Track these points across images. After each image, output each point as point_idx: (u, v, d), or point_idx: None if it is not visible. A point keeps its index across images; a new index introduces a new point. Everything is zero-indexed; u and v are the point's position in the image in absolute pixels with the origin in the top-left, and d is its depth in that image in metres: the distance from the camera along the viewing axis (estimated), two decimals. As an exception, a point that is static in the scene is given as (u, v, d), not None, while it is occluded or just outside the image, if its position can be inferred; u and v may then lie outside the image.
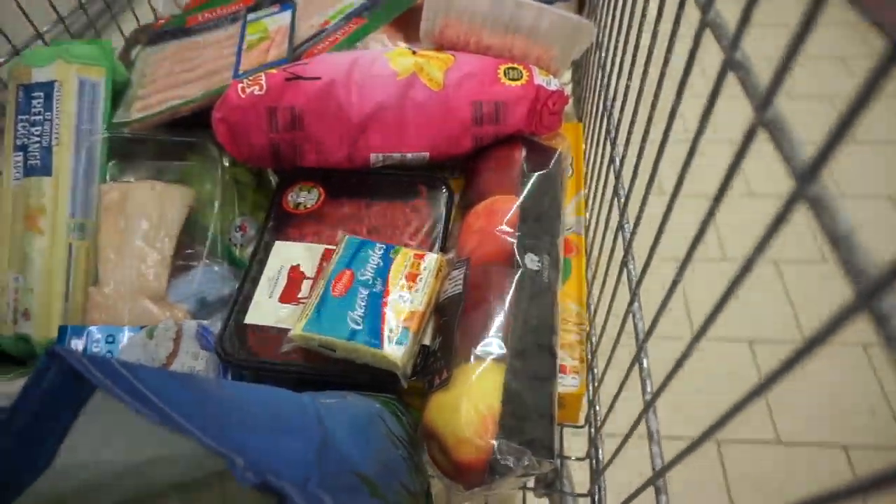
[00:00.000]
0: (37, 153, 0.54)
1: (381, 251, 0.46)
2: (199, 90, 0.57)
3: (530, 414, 0.38)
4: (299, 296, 0.47)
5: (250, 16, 0.62)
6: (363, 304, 0.43)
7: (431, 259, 0.46)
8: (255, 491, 0.37)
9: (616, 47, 0.50)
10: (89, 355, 0.24)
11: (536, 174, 0.51)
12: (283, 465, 0.25)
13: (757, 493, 1.00)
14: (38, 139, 0.54)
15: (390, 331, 0.41)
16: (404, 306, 0.43)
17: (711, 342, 1.17)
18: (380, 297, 0.43)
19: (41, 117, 0.54)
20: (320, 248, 0.49)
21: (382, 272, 0.45)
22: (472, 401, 0.37)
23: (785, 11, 1.92)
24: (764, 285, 1.26)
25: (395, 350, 0.41)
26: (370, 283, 0.44)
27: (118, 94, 0.61)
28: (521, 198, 0.48)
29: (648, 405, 0.31)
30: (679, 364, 0.25)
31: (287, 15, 0.60)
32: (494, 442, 0.36)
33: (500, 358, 0.39)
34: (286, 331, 0.44)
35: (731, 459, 1.03)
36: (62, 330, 0.47)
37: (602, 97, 0.56)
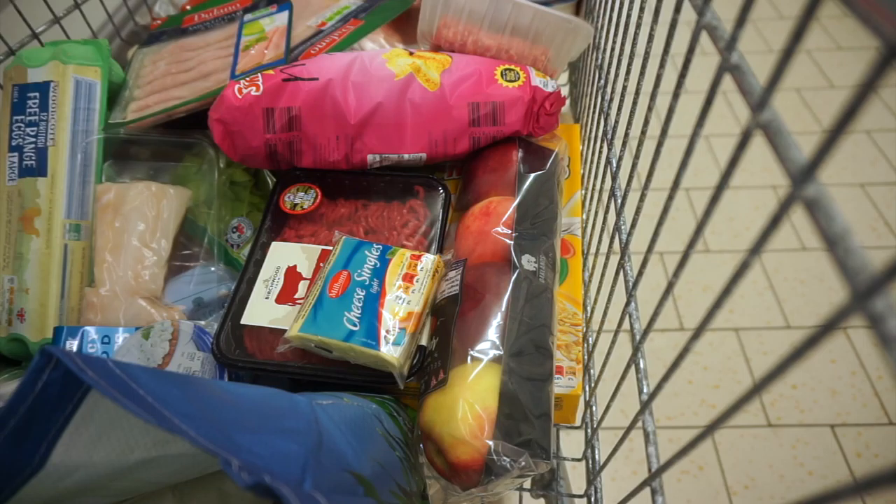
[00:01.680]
0: (32, 154, 0.54)
1: (378, 252, 0.46)
2: (195, 91, 0.57)
3: (527, 415, 0.38)
4: (296, 296, 0.47)
5: (247, 16, 0.62)
6: (360, 304, 0.43)
7: (428, 260, 0.46)
8: (252, 491, 0.37)
9: (613, 49, 0.50)
10: (83, 355, 0.24)
11: (533, 175, 0.51)
12: (279, 466, 0.25)
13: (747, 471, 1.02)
14: (33, 139, 0.54)
15: (387, 332, 0.41)
16: (401, 307, 0.43)
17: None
18: (376, 297, 0.43)
19: (36, 118, 0.54)
20: (317, 249, 0.49)
21: (379, 273, 0.45)
22: (469, 402, 0.37)
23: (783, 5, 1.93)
24: (747, 274, 1.27)
25: (391, 351, 0.41)
26: (367, 283, 0.44)
27: (114, 94, 0.61)
28: (518, 199, 0.48)
29: (644, 406, 0.32)
30: (674, 366, 0.25)
31: (284, 16, 0.60)
32: (491, 443, 0.36)
33: (497, 359, 0.39)
34: (282, 331, 0.44)
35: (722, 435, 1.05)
36: (57, 331, 0.47)
37: (599, 98, 0.56)
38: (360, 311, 0.42)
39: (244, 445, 0.25)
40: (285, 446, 0.27)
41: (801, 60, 1.75)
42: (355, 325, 0.42)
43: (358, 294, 0.43)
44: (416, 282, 0.44)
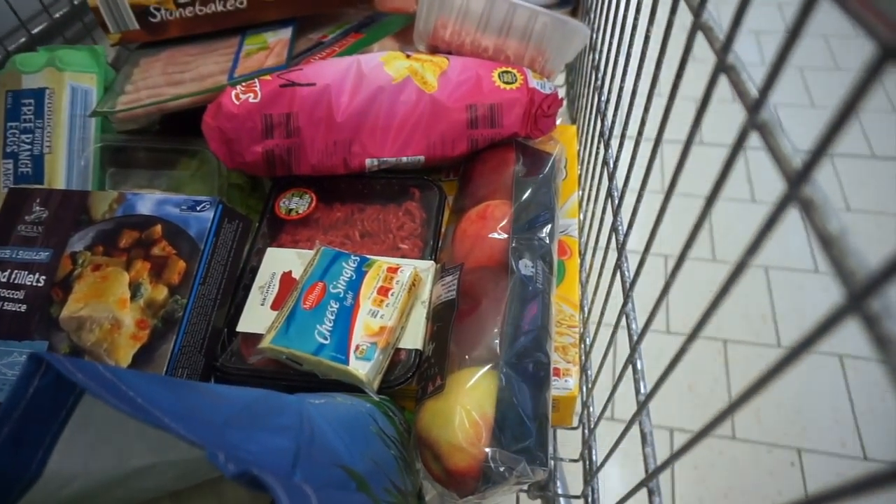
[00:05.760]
0: (28, 161, 0.53)
1: (356, 264, 0.46)
2: (190, 89, 0.57)
3: (524, 421, 0.37)
4: (291, 302, 0.47)
5: (249, 29, 0.62)
6: (332, 318, 0.42)
7: (405, 273, 0.45)
8: (250, 494, 0.37)
9: (609, 49, 0.50)
10: (72, 359, 0.24)
11: (530, 179, 0.51)
12: (267, 460, 0.25)
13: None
14: (28, 147, 0.54)
15: (357, 346, 0.41)
16: (374, 321, 0.43)
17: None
18: (349, 311, 0.43)
19: (32, 125, 0.54)
20: (312, 255, 0.49)
21: (354, 286, 0.44)
22: (466, 408, 0.37)
23: (778, 19, 1.93)
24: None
25: (360, 366, 0.40)
26: (341, 296, 0.44)
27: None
28: (515, 203, 0.48)
29: (642, 406, 0.31)
30: (672, 366, 0.25)
31: (288, 30, 0.60)
32: (488, 450, 0.36)
33: (495, 365, 0.39)
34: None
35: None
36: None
37: (595, 99, 0.56)
38: (332, 325, 0.42)
39: (234, 442, 0.25)
40: (275, 442, 0.27)
41: (792, 70, 1.75)
42: (326, 339, 0.41)
43: (331, 307, 0.43)
44: (391, 295, 0.44)
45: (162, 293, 0.43)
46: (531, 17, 0.53)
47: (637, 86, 0.39)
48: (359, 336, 0.42)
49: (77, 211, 0.46)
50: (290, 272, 0.48)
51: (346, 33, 0.60)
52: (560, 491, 0.55)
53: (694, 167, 1.45)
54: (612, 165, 0.46)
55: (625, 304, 0.37)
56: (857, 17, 0.13)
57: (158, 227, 0.45)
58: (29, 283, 0.44)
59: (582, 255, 0.55)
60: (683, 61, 0.27)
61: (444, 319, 0.43)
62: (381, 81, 0.51)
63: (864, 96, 0.13)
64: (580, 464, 0.51)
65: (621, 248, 0.39)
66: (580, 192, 0.59)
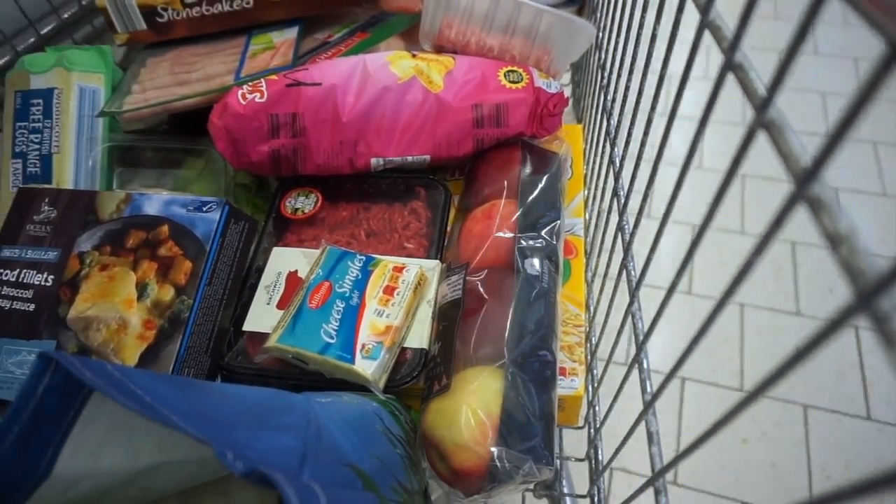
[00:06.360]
0: (36, 161, 0.54)
1: (361, 263, 0.46)
2: (196, 90, 0.57)
3: (530, 420, 0.37)
4: (298, 301, 0.47)
5: (256, 29, 0.62)
6: (338, 317, 0.43)
7: (411, 273, 0.45)
8: (258, 494, 0.37)
9: (616, 48, 0.50)
10: (81, 358, 0.24)
11: (536, 178, 0.50)
12: (275, 459, 0.25)
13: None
14: (37, 146, 0.54)
15: (363, 345, 0.41)
16: (380, 320, 0.43)
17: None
18: (356, 310, 0.43)
19: (40, 125, 0.54)
20: (317, 254, 0.49)
21: (360, 285, 0.44)
22: (472, 407, 0.37)
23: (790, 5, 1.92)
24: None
25: (366, 365, 0.40)
26: (347, 295, 0.44)
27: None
28: (521, 202, 0.48)
29: (648, 406, 0.31)
30: (678, 365, 0.25)
31: (294, 30, 0.60)
32: (494, 449, 0.36)
33: (500, 364, 0.39)
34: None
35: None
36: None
37: (601, 98, 0.56)
38: (338, 324, 0.42)
39: (242, 441, 0.25)
40: (283, 441, 0.27)
41: (806, 58, 1.74)
42: (332, 338, 0.42)
43: (337, 306, 0.43)
44: (397, 294, 0.44)
45: (168, 293, 0.43)
46: (536, 16, 0.53)
47: (643, 85, 0.38)
48: (365, 335, 0.42)
49: (85, 211, 0.47)
50: (296, 271, 0.48)
51: (351, 33, 0.61)
52: (566, 490, 0.55)
53: (697, 183, 1.45)
54: (618, 165, 0.46)
55: (630, 304, 0.36)
56: (865, 13, 0.13)
57: (165, 228, 0.45)
58: (37, 283, 0.44)
59: (587, 255, 0.55)
60: (690, 60, 0.27)
61: (449, 318, 0.43)
62: (386, 81, 0.51)
63: (873, 95, 0.13)
64: (586, 463, 0.51)
65: (627, 248, 0.39)
66: (586, 192, 0.59)
